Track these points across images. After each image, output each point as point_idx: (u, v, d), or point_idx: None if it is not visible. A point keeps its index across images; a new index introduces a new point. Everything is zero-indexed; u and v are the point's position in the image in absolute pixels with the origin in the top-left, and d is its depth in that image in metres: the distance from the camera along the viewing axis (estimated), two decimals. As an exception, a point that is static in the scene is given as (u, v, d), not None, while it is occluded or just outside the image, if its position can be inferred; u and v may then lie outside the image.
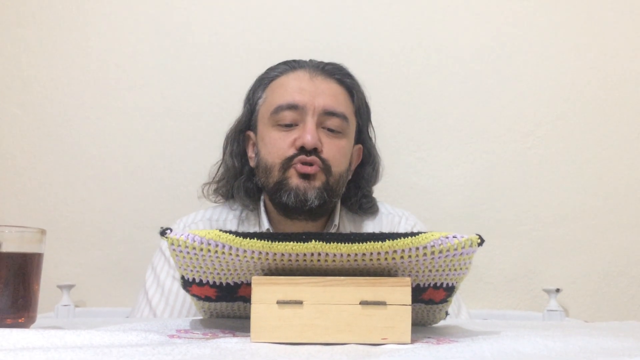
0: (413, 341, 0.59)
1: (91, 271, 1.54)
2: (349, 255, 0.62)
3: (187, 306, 1.10)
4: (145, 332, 0.61)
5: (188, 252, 0.63)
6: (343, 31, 1.57)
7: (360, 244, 0.61)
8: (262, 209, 1.16)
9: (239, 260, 0.63)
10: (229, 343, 0.57)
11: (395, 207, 1.28)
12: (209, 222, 1.18)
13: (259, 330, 0.58)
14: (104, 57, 1.58)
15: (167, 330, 0.67)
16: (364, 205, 1.21)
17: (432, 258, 0.63)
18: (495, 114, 1.56)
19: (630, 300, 1.50)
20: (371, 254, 0.62)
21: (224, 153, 1.20)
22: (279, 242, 0.61)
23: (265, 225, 1.15)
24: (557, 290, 1.45)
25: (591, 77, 1.55)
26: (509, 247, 1.53)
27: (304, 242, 0.61)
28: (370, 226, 1.22)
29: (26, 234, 0.67)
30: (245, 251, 0.62)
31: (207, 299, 0.71)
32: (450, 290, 0.69)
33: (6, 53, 1.58)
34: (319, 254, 0.62)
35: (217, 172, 1.21)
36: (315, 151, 1.07)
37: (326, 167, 1.08)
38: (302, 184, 1.07)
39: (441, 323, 0.78)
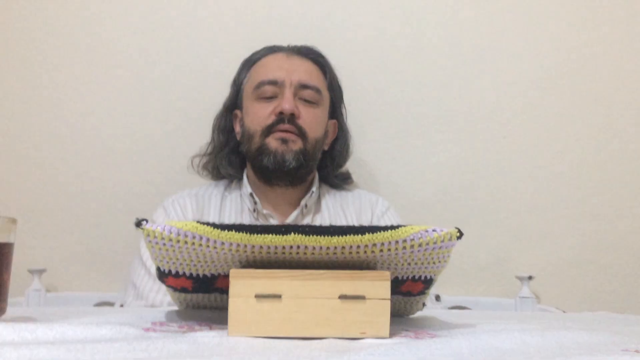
0: (392, 335, 0.59)
1: (62, 256, 1.52)
2: (328, 248, 0.61)
3: None
4: (120, 325, 0.60)
5: (164, 244, 0.62)
6: (322, 16, 1.55)
7: (340, 237, 0.61)
8: (245, 178, 1.29)
9: (217, 252, 0.62)
10: (206, 337, 0.56)
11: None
12: (195, 197, 1.28)
13: (237, 324, 0.58)
14: (80, 32, 1.53)
15: (142, 322, 0.65)
16: (340, 176, 1.36)
17: (412, 251, 0.62)
18: (473, 102, 1.56)
19: (599, 288, 1.53)
20: (350, 247, 0.61)
21: (213, 131, 1.35)
22: (257, 234, 0.60)
23: (248, 190, 1.25)
24: (530, 278, 1.47)
25: (567, 68, 1.56)
26: (482, 234, 1.54)
27: (283, 235, 0.60)
28: (350, 200, 1.33)
29: (-6, 223, 0.65)
30: (223, 243, 0.61)
31: (183, 290, 0.70)
32: (428, 282, 0.69)
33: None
34: (298, 247, 0.61)
35: (207, 148, 1.35)
36: (292, 118, 1.21)
37: (302, 133, 1.22)
38: (281, 147, 1.20)
39: (418, 314, 0.78)
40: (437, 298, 1.27)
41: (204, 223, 0.62)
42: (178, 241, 0.61)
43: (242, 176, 1.30)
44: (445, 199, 1.54)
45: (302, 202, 1.26)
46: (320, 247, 0.61)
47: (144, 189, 1.51)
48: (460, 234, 0.63)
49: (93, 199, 1.52)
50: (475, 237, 1.53)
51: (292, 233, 0.60)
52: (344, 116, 1.37)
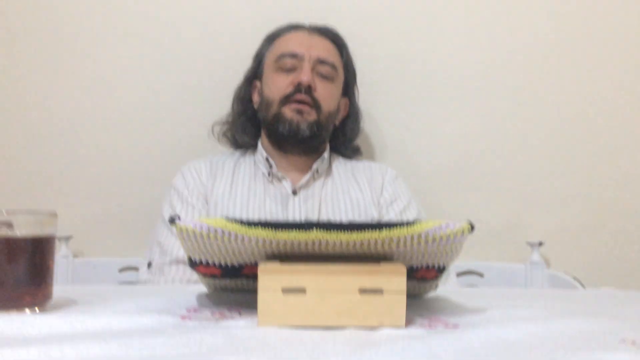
0: (407, 323, 0.64)
1: (88, 222, 1.58)
2: (347, 242, 0.66)
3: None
4: (159, 313, 0.66)
5: (196, 239, 0.67)
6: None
7: (359, 232, 0.65)
8: (260, 145, 1.37)
9: (244, 246, 0.67)
10: (238, 328, 0.62)
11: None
12: (210, 163, 1.37)
13: (266, 315, 0.63)
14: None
15: (178, 309, 0.71)
16: (351, 148, 1.45)
17: (427, 245, 0.67)
18: (487, 69, 1.57)
19: (608, 253, 1.57)
20: (369, 242, 0.66)
21: (233, 101, 1.44)
22: (282, 230, 0.65)
23: (264, 155, 1.33)
24: (540, 244, 1.52)
25: (580, 31, 1.56)
26: (494, 200, 1.58)
27: (305, 231, 0.65)
28: (361, 168, 1.40)
29: (39, 218, 0.70)
30: (250, 238, 0.66)
31: (212, 276, 0.75)
32: (441, 270, 0.74)
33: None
34: (320, 242, 0.66)
35: (228, 117, 1.44)
36: (309, 89, 1.29)
37: (317, 105, 1.30)
38: (296, 117, 1.28)
39: (431, 295, 0.83)
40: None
41: (231, 220, 0.66)
42: (208, 237, 0.66)
43: (256, 144, 1.39)
44: (457, 166, 1.58)
45: (314, 167, 1.33)
46: (340, 242, 0.66)
47: (168, 158, 1.55)
48: (472, 228, 0.67)
49: (116, 167, 1.57)
50: (487, 203, 1.57)
51: (314, 229, 0.65)
52: (356, 97, 1.46)
